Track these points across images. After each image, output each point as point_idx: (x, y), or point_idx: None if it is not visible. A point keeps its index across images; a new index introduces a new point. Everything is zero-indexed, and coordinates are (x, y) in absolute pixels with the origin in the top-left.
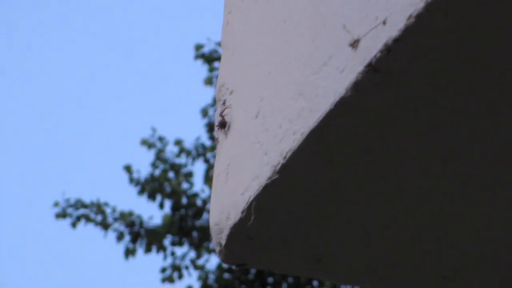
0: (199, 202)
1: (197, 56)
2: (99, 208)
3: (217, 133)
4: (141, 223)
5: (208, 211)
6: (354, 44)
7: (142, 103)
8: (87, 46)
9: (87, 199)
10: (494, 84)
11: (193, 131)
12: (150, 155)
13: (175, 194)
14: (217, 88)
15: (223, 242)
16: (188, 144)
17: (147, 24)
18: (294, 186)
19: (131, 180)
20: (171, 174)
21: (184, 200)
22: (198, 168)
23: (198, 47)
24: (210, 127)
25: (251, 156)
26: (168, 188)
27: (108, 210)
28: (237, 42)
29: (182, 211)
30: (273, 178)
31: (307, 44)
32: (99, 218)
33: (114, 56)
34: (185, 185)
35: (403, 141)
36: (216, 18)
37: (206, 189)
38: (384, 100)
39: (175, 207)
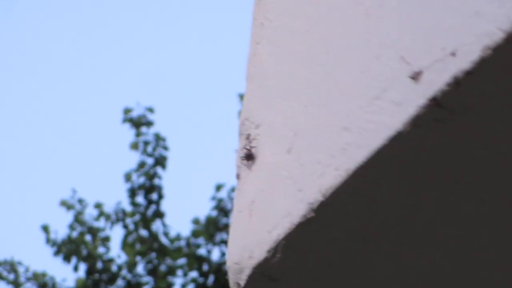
0: (114, 268)
1: (125, 120)
2: (12, 266)
3: (240, 167)
4: (54, 285)
5: (123, 277)
6: (415, 76)
7: (64, 163)
8: (14, 101)
9: (0, 257)
10: None
11: (114, 196)
12: (68, 217)
13: (90, 258)
14: (240, 122)
15: (243, 282)
16: (108, 208)
17: (75, 84)
18: (332, 227)
19: (48, 240)
20: (88, 237)
21: (99, 265)
22: (116, 233)
23: (127, 111)
24: (132, 192)
25: (281, 192)
26: (84, 251)
27: (21, 269)
28: (266, 74)
29: (97, 275)
30: (309, 216)
31: (354, 76)
32: (11, 276)
33: (39, 114)
34: (101, 249)
35: (462, 184)
36: (146, 83)
37: (123, 254)
38: (446, 137)
39: (90, 271)
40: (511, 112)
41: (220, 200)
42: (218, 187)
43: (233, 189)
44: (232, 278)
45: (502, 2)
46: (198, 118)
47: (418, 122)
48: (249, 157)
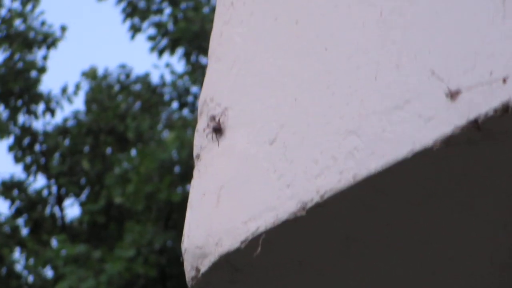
0: None
1: None
2: None
3: (201, 148)
4: None
5: None
6: (453, 95)
7: None
8: None
9: None
10: None
11: None
12: None
13: None
14: (201, 100)
15: (204, 268)
16: None
17: None
18: (319, 227)
19: None
20: None
21: None
22: None
23: None
24: None
25: (261, 184)
26: None
27: None
28: (238, 57)
29: None
30: (299, 214)
31: (361, 80)
32: None
33: None
34: None
35: (472, 206)
36: None
37: None
38: (473, 159)
39: None
40: None
41: None
42: None
43: None
44: (190, 262)
45: None
46: None
47: (451, 141)
48: (218, 131)
